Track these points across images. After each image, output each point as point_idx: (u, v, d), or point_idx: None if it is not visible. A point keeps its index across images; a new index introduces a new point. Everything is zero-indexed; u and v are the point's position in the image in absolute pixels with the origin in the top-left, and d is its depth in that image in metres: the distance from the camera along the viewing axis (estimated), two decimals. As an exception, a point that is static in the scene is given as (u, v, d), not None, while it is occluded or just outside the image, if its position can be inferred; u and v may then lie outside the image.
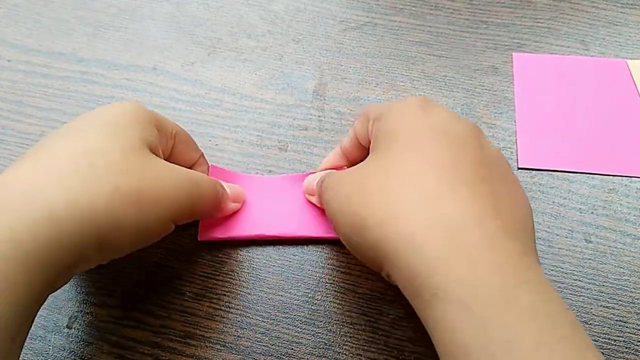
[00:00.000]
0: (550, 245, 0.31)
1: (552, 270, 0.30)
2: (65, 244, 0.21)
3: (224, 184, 0.30)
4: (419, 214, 0.21)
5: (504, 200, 0.22)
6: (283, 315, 0.28)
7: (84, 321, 0.29)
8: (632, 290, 0.29)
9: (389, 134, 0.25)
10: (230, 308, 0.29)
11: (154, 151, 0.26)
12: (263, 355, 0.27)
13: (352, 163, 0.31)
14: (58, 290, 0.23)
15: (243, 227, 0.31)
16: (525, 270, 0.20)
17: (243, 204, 0.32)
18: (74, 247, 0.21)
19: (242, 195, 0.32)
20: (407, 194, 0.22)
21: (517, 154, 0.35)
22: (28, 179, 0.22)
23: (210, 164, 0.33)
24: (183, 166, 0.27)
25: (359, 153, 0.30)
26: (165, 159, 0.27)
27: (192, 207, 0.26)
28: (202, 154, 0.32)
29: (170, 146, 0.29)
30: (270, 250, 0.31)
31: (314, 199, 0.31)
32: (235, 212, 0.31)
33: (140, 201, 0.23)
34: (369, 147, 0.28)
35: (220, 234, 0.30)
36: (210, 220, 0.31)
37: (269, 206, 0.32)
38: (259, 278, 0.30)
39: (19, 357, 0.21)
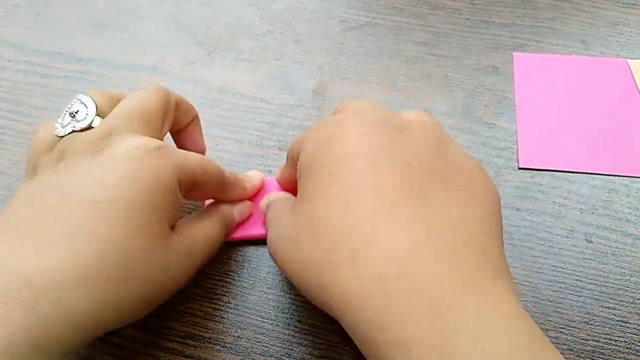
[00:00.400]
0: (550, 246, 0.31)
1: (552, 270, 0.30)
2: None
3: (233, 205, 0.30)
4: (350, 274, 0.19)
5: (446, 214, 0.20)
6: (283, 315, 0.28)
7: (83, 321, 0.29)
8: (633, 290, 0.29)
9: (308, 168, 0.23)
10: (230, 308, 0.29)
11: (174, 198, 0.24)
12: (263, 355, 0.27)
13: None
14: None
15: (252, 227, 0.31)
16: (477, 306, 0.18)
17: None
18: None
19: (248, 211, 0.31)
20: (335, 251, 0.20)
21: (517, 154, 0.35)
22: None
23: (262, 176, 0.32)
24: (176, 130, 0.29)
25: None
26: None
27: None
28: (196, 115, 0.31)
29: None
30: (270, 250, 0.31)
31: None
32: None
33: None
34: None
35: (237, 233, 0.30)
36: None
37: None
38: (259, 278, 0.30)
39: None
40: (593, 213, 0.32)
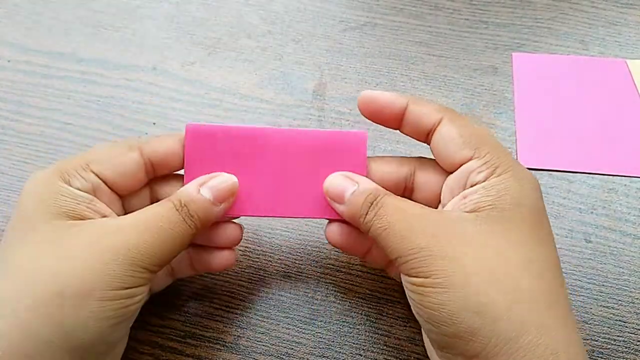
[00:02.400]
0: (550, 245, 0.31)
1: (552, 270, 0.30)
2: None
3: (201, 182, 0.24)
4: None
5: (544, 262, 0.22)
6: (283, 315, 0.28)
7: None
8: (632, 290, 0.29)
9: (511, 207, 0.22)
10: (230, 308, 0.29)
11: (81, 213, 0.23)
12: (263, 355, 0.27)
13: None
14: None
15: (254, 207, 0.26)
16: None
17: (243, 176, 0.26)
18: None
19: (230, 189, 0.25)
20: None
21: (516, 154, 0.35)
22: None
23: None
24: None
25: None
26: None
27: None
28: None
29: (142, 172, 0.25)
30: (270, 250, 0.31)
31: (341, 208, 0.25)
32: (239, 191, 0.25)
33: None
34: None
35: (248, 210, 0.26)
36: None
37: (273, 182, 0.26)
38: (259, 278, 0.30)
39: None
40: (592, 213, 0.32)
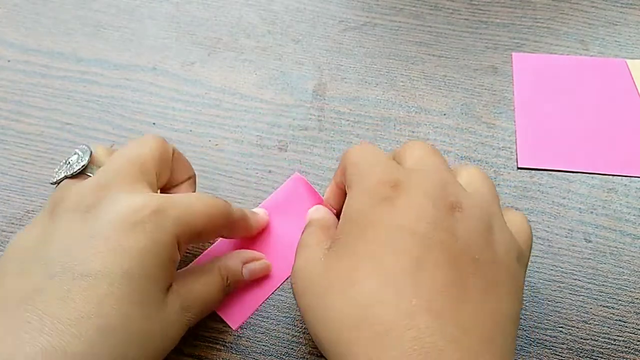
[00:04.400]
0: (549, 245, 0.31)
1: (551, 270, 0.30)
2: None
3: (245, 260, 0.28)
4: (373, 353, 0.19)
5: (479, 311, 0.20)
6: (283, 315, 0.28)
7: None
8: (632, 289, 0.29)
9: (351, 222, 0.23)
10: (230, 308, 0.29)
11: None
12: (263, 355, 0.27)
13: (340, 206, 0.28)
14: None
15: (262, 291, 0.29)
16: None
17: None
18: None
19: (264, 273, 0.29)
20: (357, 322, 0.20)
21: (516, 154, 0.35)
22: None
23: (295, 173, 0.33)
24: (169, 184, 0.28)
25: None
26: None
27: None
28: (193, 176, 0.30)
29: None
30: (270, 250, 0.31)
31: None
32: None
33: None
34: None
35: (248, 310, 0.29)
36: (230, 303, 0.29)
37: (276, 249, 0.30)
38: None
39: None
40: (592, 213, 0.32)
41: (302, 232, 0.26)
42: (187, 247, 0.26)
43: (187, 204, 0.24)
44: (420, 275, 0.20)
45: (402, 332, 0.19)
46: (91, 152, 0.26)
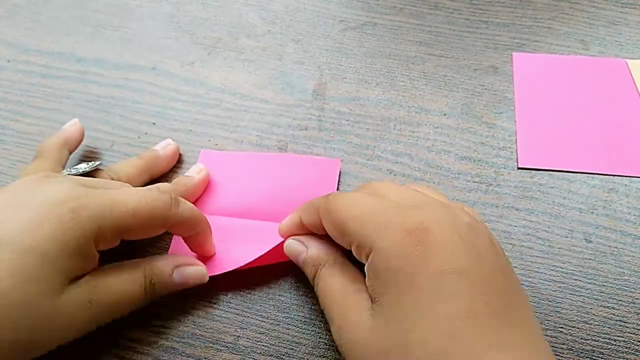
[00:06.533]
0: (550, 245, 0.31)
1: (552, 270, 0.30)
2: None
3: (178, 264, 0.28)
4: None
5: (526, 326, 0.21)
6: (283, 315, 0.28)
7: (83, 321, 0.29)
8: (632, 290, 0.29)
9: (388, 281, 0.22)
10: (230, 308, 0.29)
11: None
12: (263, 355, 0.27)
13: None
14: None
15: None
16: None
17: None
18: None
19: (199, 281, 0.28)
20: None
21: (517, 154, 0.35)
22: None
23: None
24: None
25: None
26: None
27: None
28: (205, 228, 0.29)
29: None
30: (270, 250, 0.31)
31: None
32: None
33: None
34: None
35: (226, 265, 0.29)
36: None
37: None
38: (259, 278, 0.30)
39: None
40: (592, 213, 0.32)
41: (313, 277, 0.26)
42: (116, 242, 0.26)
43: (110, 204, 0.25)
44: (477, 312, 0.20)
45: None
46: (98, 163, 0.29)
